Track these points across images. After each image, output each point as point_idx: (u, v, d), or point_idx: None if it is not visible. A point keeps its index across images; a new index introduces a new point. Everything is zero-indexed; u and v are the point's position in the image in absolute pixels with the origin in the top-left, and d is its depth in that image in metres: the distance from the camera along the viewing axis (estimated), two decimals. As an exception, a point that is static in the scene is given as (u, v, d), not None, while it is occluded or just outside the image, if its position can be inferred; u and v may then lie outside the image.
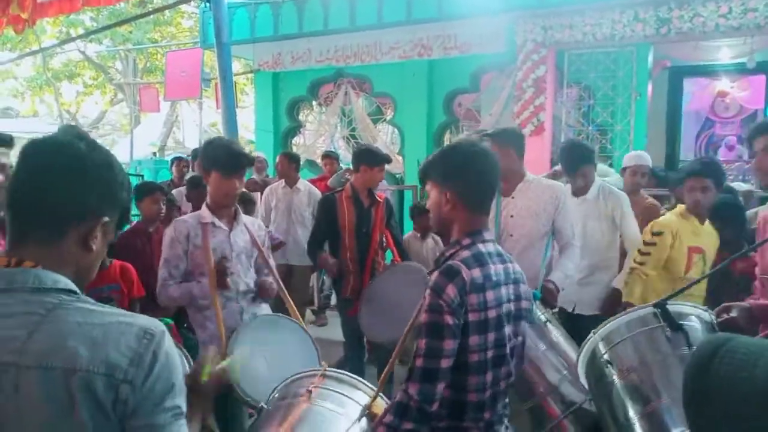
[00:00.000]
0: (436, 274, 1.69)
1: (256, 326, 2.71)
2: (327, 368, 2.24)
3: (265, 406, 2.17)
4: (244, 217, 2.93)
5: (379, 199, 4.00)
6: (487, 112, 7.99)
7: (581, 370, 2.19)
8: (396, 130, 9.19)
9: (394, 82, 8.38)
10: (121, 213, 1.13)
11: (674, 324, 1.93)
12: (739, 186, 7.03)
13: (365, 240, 3.90)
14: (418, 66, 8.10)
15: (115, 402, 0.97)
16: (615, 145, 7.13)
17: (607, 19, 6.54)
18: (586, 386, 2.21)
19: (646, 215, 3.90)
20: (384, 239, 4.05)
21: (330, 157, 6.84)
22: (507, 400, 1.84)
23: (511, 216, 3.12)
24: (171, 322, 3.09)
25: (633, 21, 6.43)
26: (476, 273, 1.67)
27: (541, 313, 2.59)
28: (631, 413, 1.90)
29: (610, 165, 7.22)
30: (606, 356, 2.05)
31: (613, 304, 3.53)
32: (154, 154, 15.43)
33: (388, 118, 9.22)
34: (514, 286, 1.79)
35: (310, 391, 2.07)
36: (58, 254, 1.05)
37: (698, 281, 2.60)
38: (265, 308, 2.94)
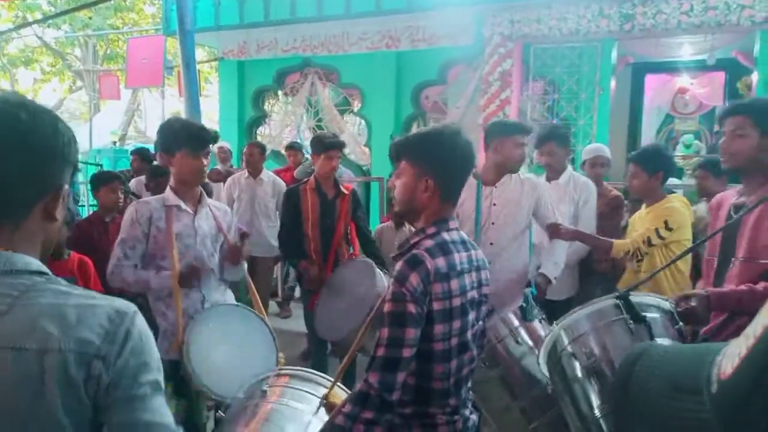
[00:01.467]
0: (400, 263, 1.67)
1: (214, 316, 2.65)
2: (282, 367, 2.28)
3: (223, 415, 2.16)
4: (209, 201, 2.85)
5: (345, 190, 3.96)
6: (454, 105, 7.99)
7: (542, 361, 2.18)
8: (363, 121, 9.14)
9: (362, 73, 8.33)
10: (73, 170, 1.10)
11: (638, 316, 1.93)
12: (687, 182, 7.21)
13: (329, 231, 3.87)
14: (385, 57, 8.06)
15: (87, 380, 0.95)
16: (578, 139, 7.21)
17: (573, 14, 6.61)
18: (548, 377, 2.20)
19: (611, 206, 4.00)
20: (349, 231, 4.02)
21: (294, 148, 6.78)
22: (470, 384, 1.86)
23: (494, 204, 3.17)
24: None
25: (598, 16, 6.51)
26: (440, 262, 1.66)
27: (537, 311, 2.62)
28: (596, 409, 1.89)
29: (573, 159, 7.33)
30: (569, 348, 2.04)
31: (543, 289, 3.28)
32: (115, 143, 15.06)
33: (355, 109, 9.16)
34: (477, 273, 1.80)
35: (265, 391, 2.09)
36: (26, 234, 1.03)
37: (658, 272, 2.63)
38: (229, 296, 2.87)
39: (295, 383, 2.16)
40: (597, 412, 1.87)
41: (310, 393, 2.11)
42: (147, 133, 16.53)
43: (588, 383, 1.96)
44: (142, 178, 5.27)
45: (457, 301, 1.69)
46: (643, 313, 1.95)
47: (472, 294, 1.76)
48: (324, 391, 2.10)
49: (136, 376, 0.99)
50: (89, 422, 0.97)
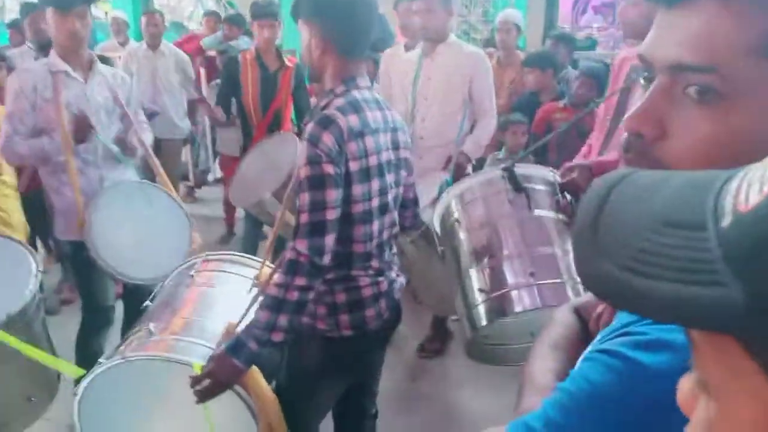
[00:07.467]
0: (310, 125, 1.57)
1: (117, 193, 2.48)
2: (209, 253, 2.22)
3: (150, 304, 2.07)
4: (102, 68, 2.55)
5: (289, 63, 3.78)
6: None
7: (436, 223, 2.23)
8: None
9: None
10: None
11: (518, 186, 1.97)
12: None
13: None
14: None
15: None
16: (497, 10, 7.03)
17: None
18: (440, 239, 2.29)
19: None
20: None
21: (213, 15, 6.32)
22: (394, 249, 1.86)
23: (429, 78, 3.02)
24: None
25: None
26: (353, 120, 1.58)
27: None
28: (472, 267, 2.01)
29: (492, 30, 7.17)
30: (456, 215, 2.12)
31: (463, 168, 3.22)
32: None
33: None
34: (393, 134, 1.74)
35: (192, 276, 2.03)
36: None
37: (545, 140, 2.57)
38: (130, 175, 2.66)
39: (223, 267, 2.13)
40: (471, 272, 2.00)
41: (240, 275, 2.07)
42: None
43: (468, 247, 2.07)
44: (24, 47, 4.63)
45: (373, 160, 1.63)
46: (526, 185, 1.99)
47: (388, 155, 1.71)
48: (249, 270, 2.07)
49: None
50: None
